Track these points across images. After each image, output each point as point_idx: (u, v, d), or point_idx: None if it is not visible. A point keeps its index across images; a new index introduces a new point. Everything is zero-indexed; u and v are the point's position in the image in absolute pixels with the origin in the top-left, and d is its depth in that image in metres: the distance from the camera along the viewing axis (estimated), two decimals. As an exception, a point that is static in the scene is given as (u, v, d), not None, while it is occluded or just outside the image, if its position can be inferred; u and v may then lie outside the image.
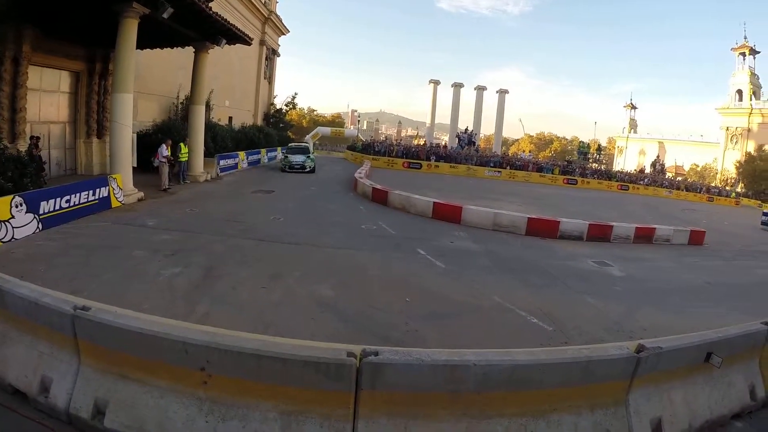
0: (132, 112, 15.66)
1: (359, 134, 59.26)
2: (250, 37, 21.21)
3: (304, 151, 31.86)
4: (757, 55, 72.61)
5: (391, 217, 17.11)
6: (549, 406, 4.23)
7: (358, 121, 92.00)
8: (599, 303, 10.20)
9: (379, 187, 21.15)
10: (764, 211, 35.61)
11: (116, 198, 14.30)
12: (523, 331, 8.10)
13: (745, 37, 72.48)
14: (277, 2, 47.32)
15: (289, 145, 34.13)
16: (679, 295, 11.93)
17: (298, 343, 4.16)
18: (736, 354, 5.74)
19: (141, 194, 15.72)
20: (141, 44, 16.27)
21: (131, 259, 9.67)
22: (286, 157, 30.68)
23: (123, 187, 14.75)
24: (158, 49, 20.31)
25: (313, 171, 30.40)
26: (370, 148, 46.17)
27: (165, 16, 14.60)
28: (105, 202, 13.75)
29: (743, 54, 72.68)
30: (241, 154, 28.54)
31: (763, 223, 32.24)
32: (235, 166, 27.19)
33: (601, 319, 9.15)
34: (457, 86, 77.92)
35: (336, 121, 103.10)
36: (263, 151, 33.14)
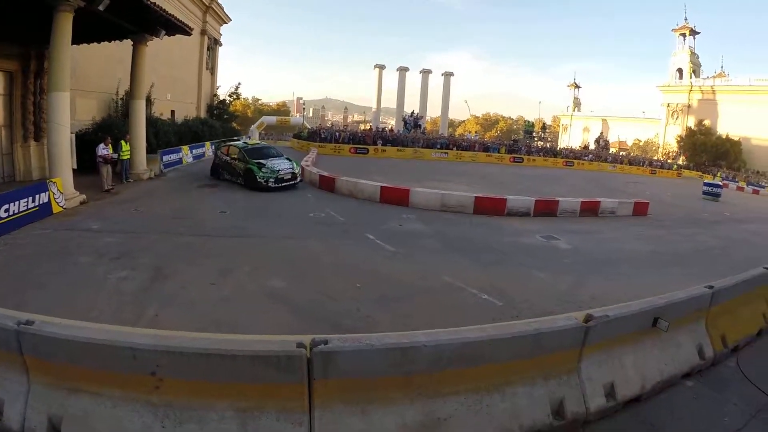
0: (69, 111, 14.84)
1: (305, 122, 58.53)
2: (190, 27, 20.42)
3: (276, 152, 21.91)
4: (697, 36, 75.85)
5: (339, 204, 17.10)
6: (503, 379, 4.39)
7: (303, 108, 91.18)
8: (548, 276, 10.49)
9: (326, 174, 21.08)
10: (705, 181, 37.74)
11: (57, 203, 13.61)
12: (474, 308, 8.24)
13: (686, 19, 75.57)
14: None
15: (246, 145, 21.98)
16: (626, 264, 12.39)
17: (248, 338, 4.08)
18: (683, 317, 6.06)
19: (83, 197, 15.01)
20: (77, 39, 15.43)
21: (77, 266, 9.27)
22: (257, 166, 19.69)
23: (64, 191, 14.05)
24: (95, 43, 19.27)
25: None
26: (316, 135, 45.77)
27: (101, 8, 13.80)
28: (46, 209, 13.07)
29: (683, 35, 75.67)
30: (185, 149, 27.69)
31: (704, 193, 33.96)
32: (180, 161, 26.35)
33: (551, 292, 9.40)
34: (403, 70, 78.16)
35: (281, 110, 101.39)
36: (207, 144, 32.28)
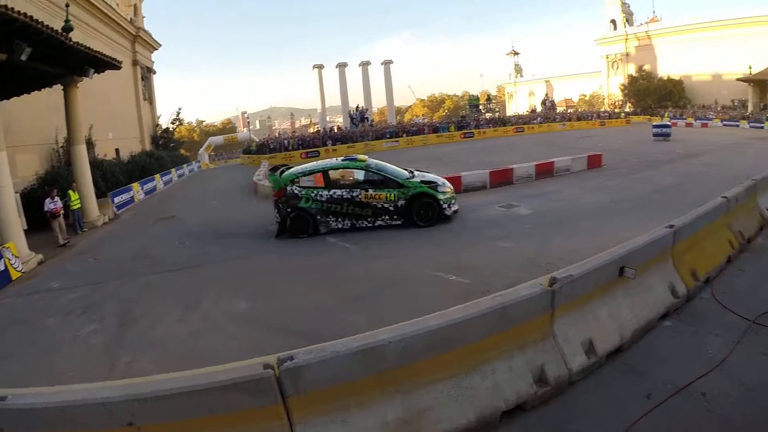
0: (9, 170, 14.20)
1: (252, 136, 57.93)
2: (119, 61, 19.66)
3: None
4: None
5: None
6: (479, 358, 4.40)
7: (248, 122, 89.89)
8: (512, 245, 10.60)
9: None
10: (653, 123, 38.71)
11: (15, 269, 12.97)
12: (443, 290, 8.23)
13: None
14: (143, 17, 45.05)
15: (368, 164, 13.94)
16: (588, 218, 12.60)
17: (217, 368, 3.91)
18: (649, 260, 6.14)
19: (40, 257, 14.36)
20: (4, 94, 14.78)
21: (44, 330, 8.86)
22: (430, 187, 13.60)
23: (19, 254, 13.40)
24: (25, 95, 18.52)
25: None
26: (265, 147, 45.56)
27: (23, 57, 13.04)
28: (4, 276, 12.44)
29: None
30: (135, 186, 27.11)
31: (654, 135, 35.27)
32: (131, 199, 25.68)
33: (516, 260, 9.46)
34: (341, 66, 78.21)
35: (227, 128, 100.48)
36: (157, 176, 31.77)
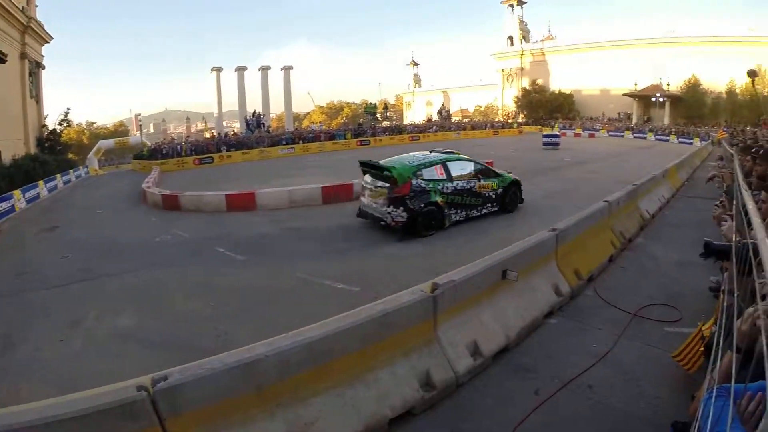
0: None
1: (144, 140, 54.81)
2: (3, 53, 17.81)
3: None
4: (524, 5, 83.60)
5: (185, 222, 16.04)
6: (362, 367, 4.37)
7: (140, 125, 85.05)
8: (402, 251, 10.62)
9: (168, 192, 19.86)
10: (544, 134, 40.83)
11: None
12: (331, 299, 8.05)
13: None
14: (36, 6, 40.89)
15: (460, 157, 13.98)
16: (474, 223, 12.84)
17: (89, 393, 3.47)
18: (532, 263, 6.45)
19: None
20: None
21: None
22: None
23: None
24: None
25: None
26: (157, 152, 42.82)
27: None
28: None
29: (512, 5, 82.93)
30: (17, 194, 24.58)
31: (544, 144, 37.66)
32: (12, 208, 23.28)
33: (406, 265, 9.51)
34: (241, 70, 75.58)
35: (119, 131, 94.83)
36: (41, 183, 29.17)
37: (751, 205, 4.05)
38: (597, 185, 17.40)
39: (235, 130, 67.55)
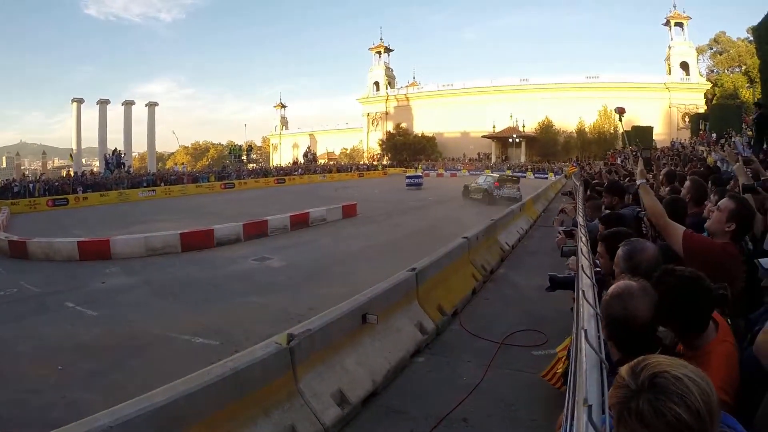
0: None
1: None
2: None
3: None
4: (391, 53, 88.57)
5: (34, 272, 14.52)
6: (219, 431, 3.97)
7: None
8: (264, 299, 10.42)
9: (15, 238, 17.88)
10: (407, 175, 42.41)
11: None
12: (190, 355, 7.59)
13: (381, 39, 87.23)
14: None
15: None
16: (340, 265, 13.00)
17: None
18: (393, 304, 6.36)
19: None
20: None
21: None
22: None
23: None
24: None
25: None
26: (7, 190, 38.68)
27: None
28: None
29: (379, 53, 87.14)
30: None
31: (407, 185, 39.29)
32: None
33: (269, 314, 9.29)
34: (103, 103, 70.50)
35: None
36: None
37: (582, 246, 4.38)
38: (459, 222, 18.13)
39: (94, 169, 63.30)
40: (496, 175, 33.12)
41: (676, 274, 2.15)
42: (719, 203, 3.28)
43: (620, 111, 5.85)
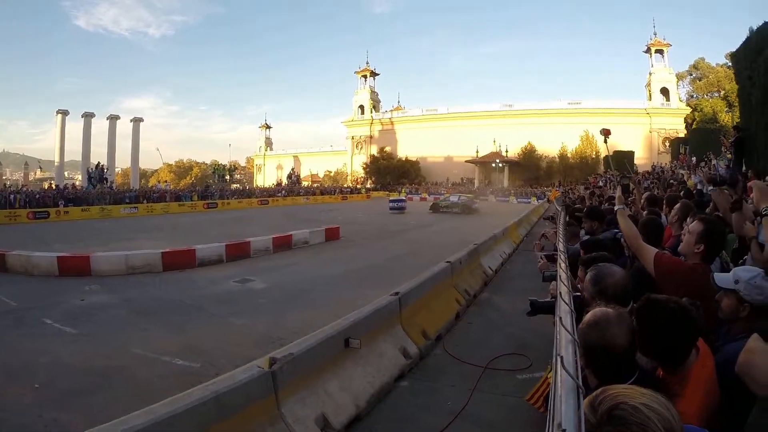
0: None
1: None
2: None
3: None
4: (376, 77, 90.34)
5: (12, 285, 14.15)
6: None
7: None
8: (245, 321, 10.29)
9: None
10: (390, 198, 42.75)
11: None
12: (170, 377, 7.42)
13: (367, 62, 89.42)
14: None
15: None
16: (323, 289, 12.84)
17: None
18: (376, 328, 6.36)
19: None
20: None
21: None
22: None
23: None
24: None
25: None
26: None
27: None
28: None
29: (365, 76, 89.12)
30: None
31: (390, 209, 39.61)
32: None
33: (250, 337, 9.16)
34: (88, 116, 70.08)
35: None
36: None
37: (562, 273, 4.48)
38: (442, 246, 18.07)
39: (77, 183, 62.61)
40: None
41: (660, 306, 2.19)
42: (689, 226, 3.45)
43: (605, 133, 5.99)
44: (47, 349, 9.08)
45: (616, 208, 4.17)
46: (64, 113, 70.02)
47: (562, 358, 1.87)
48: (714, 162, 18.90)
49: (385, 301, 6.78)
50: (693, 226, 3.35)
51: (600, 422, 1.23)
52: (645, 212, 5.90)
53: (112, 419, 3.61)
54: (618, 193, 4.54)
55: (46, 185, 67.29)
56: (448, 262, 9.56)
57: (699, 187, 11.16)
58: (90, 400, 6.77)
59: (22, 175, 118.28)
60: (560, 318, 2.49)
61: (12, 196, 39.83)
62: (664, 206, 5.84)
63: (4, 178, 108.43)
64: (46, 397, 6.91)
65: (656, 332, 2.10)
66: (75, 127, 72.38)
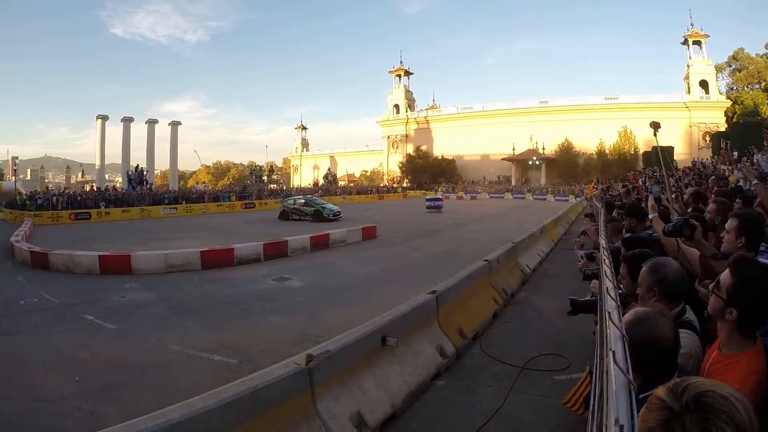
0: None
1: (19, 186, 50.19)
2: None
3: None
4: (411, 76, 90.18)
5: (54, 283, 14.56)
6: None
7: (16, 170, 77.42)
8: (282, 318, 10.32)
9: (38, 249, 18.02)
10: (427, 197, 42.45)
11: None
12: (207, 373, 7.51)
13: (401, 62, 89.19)
14: None
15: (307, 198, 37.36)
16: (360, 287, 12.84)
17: None
18: (413, 327, 6.32)
19: None
20: None
21: None
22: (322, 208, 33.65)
23: None
24: None
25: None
26: (32, 202, 39.33)
27: None
28: None
29: (399, 76, 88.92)
30: None
31: (427, 207, 39.24)
32: None
33: (286, 334, 9.16)
34: (127, 121, 72.34)
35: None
36: None
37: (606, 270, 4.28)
38: (479, 245, 18.05)
39: (117, 185, 64.21)
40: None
41: (755, 262, 2.22)
42: (726, 225, 3.42)
43: (655, 125, 5.83)
44: (87, 344, 9.28)
45: (650, 216, 4.29)
46: (104, 118, 72.05)
47: (614, 353, 1.81)
48: (757, 157, 18.31)
49: (423, 300, 6.73)
50: (729, 224, 3.34)
51: (684, 409, 1.20)
52: (690, 209, 5.73)
53: (148, 413, 3.65)
54: (650, 202, 4.62)
55: (87, 187, 69.13)
56: (485, 260, 9.46)
57: (741, 183, 10.82)
58: (127, 394, 6.90)
59: (64, 178, 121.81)
60: (608, 313, 2.42)
61: (54, 198, 40.96)
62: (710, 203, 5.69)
63: (46, 181, 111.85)
64: (85, 390, 7.06)
65: (749, 284, 2.09)
66: (115, 132, 74.39)
